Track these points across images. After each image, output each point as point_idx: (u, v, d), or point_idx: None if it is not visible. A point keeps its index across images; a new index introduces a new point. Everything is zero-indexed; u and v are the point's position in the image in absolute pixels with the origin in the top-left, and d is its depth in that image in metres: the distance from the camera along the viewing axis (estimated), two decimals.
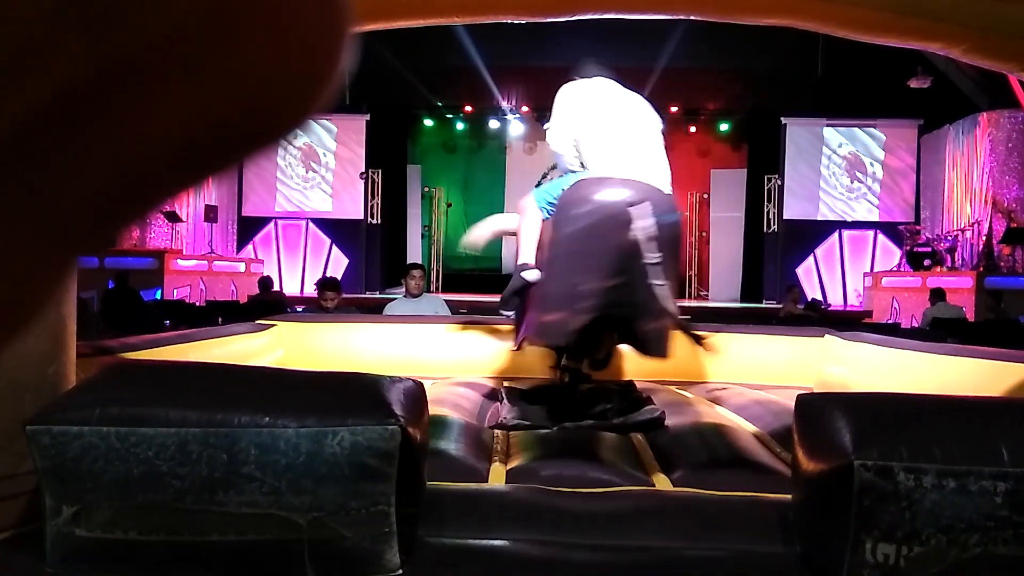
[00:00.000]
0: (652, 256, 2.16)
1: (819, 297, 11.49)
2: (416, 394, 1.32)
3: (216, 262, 10.95)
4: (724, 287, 13.13)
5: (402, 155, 13.60)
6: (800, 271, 12.36)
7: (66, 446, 1.17)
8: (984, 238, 10.44)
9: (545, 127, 2.58)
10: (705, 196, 13.46)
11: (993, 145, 10.62)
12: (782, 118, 12.34)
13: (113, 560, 1.20)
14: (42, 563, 1.20)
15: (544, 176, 2.72)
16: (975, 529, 1.09)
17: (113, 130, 0.20)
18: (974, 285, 9.31)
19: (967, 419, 1.22)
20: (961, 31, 2.29)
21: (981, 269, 9.89)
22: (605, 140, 2.41)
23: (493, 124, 13.59)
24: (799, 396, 1.37)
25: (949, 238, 10.86)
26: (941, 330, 6.29)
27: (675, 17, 2.84)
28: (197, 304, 8.53)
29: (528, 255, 2.49)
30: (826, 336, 3.50)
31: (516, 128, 13.43)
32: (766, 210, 12.54)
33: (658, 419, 2.39)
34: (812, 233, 12.44)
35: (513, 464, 1.91)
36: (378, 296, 11.35)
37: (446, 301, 5.03)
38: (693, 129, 13.33)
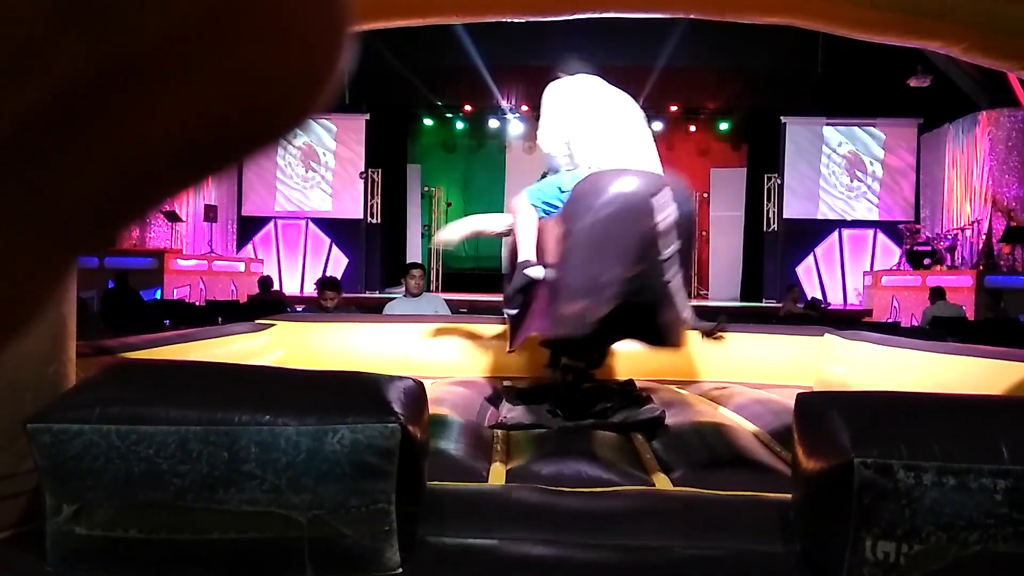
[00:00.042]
0: (672, 244, 2.18)
1: (819, 296, 11.48)
2: (416, 393, 1.32)
3: (216, 262, 10.95)
4: (724, 286, 13.13)
5: (402, 154, 13.60)
6: (800, 270, 12.36)
7: (66, 444, 1.17)
8: (984, 237, 10.42)
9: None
10: (705, 195, 13.43)
11: (993, 144, 10.62)
12: (782, 117, 12.34)
13: (113, 559, 1.20)
14: (42, 562, 1.20)
15: (543, 176, 2.72)
16: (975, 527, 1.09)
17: (113, 130, 0.20)
18: (974, 284, 9.31)
19: (967, 417, 1.22)
20: (961, 29, 2.29)
21: (981, 268, 9.88)
22: (597, 136, 2.41)
23: (493, 123, 13.58)
24: (799, 395, 1.37)
25: (949, 237, 10.85)
26: (941, 329, 6.29)
27: (675, 16, 2.84)
28: (197, 304, 8.53)
29: (528, 252, 2.50)
30: (826, 335, 3.50)
31: (516, 127, 13.40)
32: (766, 209, 12.53)
33: (658, 418, 2.39)
34: (812, 232, 12.43)
35: (513, 464, 1.91)
36: (378, 296, 11.35)
37: (446, 300, 5.03)
38: (693, 128, 13.34)
